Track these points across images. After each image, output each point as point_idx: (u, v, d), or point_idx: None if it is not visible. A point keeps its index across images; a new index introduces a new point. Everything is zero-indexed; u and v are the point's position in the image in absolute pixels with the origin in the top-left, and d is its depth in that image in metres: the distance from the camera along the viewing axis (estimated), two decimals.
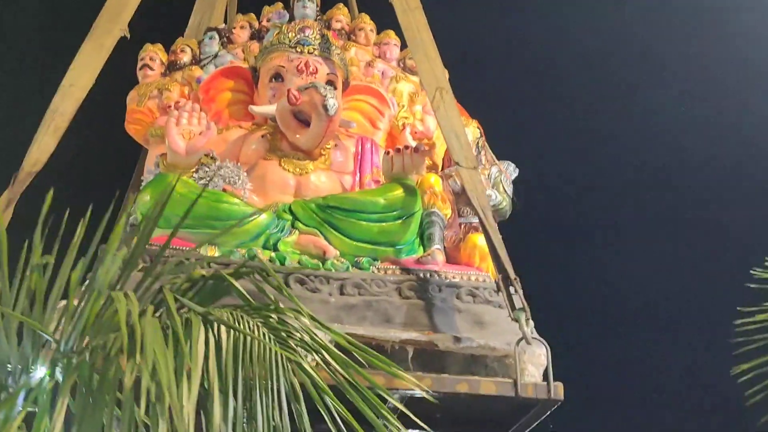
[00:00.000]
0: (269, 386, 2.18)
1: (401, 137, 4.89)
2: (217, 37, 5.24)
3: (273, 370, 2.19)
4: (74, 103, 3.71)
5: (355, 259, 3.79)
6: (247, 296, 2.33)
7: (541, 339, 3.36)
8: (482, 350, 3.51)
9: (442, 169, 4.57)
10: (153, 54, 5.06)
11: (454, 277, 3.77)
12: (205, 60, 5.09)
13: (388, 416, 2.26)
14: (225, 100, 4.70)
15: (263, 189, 4.09)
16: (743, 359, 4.40)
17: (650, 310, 7.57)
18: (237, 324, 2.21)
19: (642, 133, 7.99)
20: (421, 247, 3.93)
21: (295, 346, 2.32)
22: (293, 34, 4.67)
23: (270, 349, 2.19)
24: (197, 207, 3.68)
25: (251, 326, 2.26)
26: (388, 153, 4.12)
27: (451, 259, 4.00)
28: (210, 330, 2.14)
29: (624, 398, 7.28)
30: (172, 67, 5.09)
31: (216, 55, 5.12)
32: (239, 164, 4.14)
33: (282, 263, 3.64)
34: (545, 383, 3.26)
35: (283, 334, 2.29)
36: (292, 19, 5.30)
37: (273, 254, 3.70)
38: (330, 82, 4.52)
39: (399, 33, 4.95)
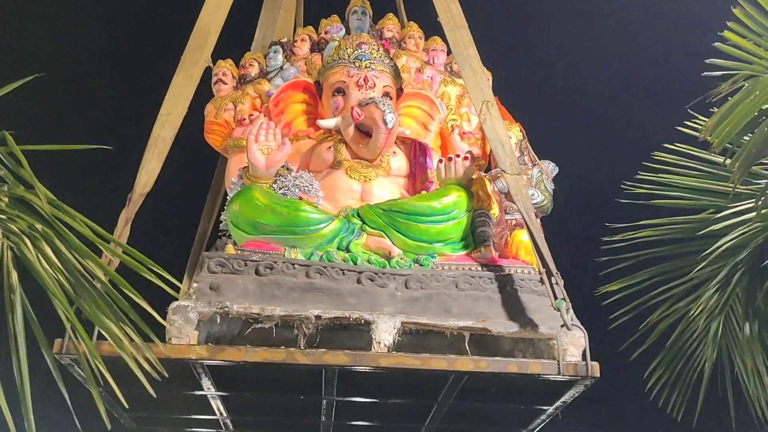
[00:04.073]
0: None
1: (450, 138, 5.44)
2: (281, 50, 5.81)
3: None
4: (173, 129, 4.29)
5: (416, 257, 4.33)
6: None
7: (580, 325, 3.91)
8: (529, 334, 4.08)
9: (489, 169, 5.12)
10: (225, 69, 5.66)
11: (503, 271, 4.29)
12: (271, 73, 5.68)
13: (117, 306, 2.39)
14: (293, 112, 5.28)
15: (333, 196, 4.65)
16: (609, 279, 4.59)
17: None
18: None
19: None
20: (474, 244, 4.46)
21: (19, 231, 2.38)
22: (351, 50, 5.18)
23: None
24: (280, 216, 4.33)
25: None
26: (441, 161, 4.65)
27: (500, 253, 4.55)
28: None
29: None
30: (242, 80, 5.69)
31: (281, 68, 5.69)
32: (311, 173, 4.72)
33: (355, 263, 4.22)
34: (584, 363, 3.82)
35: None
36: (347, 30, 5.86)
37: (346, 255, 4.27)
38: (386, 94, 5.07)
39: (444, 39, 5.44)
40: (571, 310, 3.96)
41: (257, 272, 4.06)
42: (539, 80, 7.89)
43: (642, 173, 4.75)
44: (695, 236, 4.64)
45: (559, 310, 3.92)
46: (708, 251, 4.44)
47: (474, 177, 4.64)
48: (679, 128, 4.81)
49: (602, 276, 4.71)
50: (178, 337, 3.77)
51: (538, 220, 4.75)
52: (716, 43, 4.11)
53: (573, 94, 8.00)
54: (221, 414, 4.61)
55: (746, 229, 4.46)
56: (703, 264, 4.51)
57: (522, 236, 4.53)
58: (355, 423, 4.90)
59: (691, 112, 4.74)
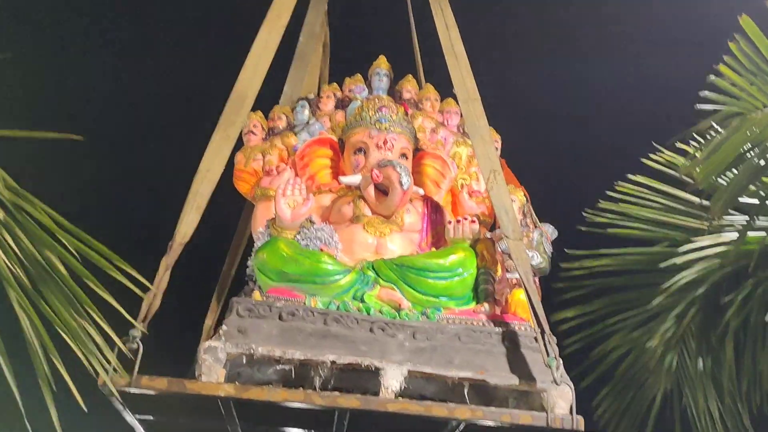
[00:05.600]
0: None
1: (460, 196, 5.90)
2: (307, 105, 6.28)
3: None
4: (211, 185, 4.71)
5: (424, 309, 4.76)
6: None
7: (569, 381, 4.34)
8: (523, 387, 4.51)
9: (494, 227, 5.57)
10: (256, 121, 6.12)
11: (502, 326, 4.69)
12: (298, 127, 6.13)
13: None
14: (317, 166, 5.75)
15: (350, 248, 5.09)
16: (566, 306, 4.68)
17: None
18: None
19: None
20: (477, 300, 4.90)
21: None
22: (373, 113, 5.66)
23: None
24: (302, 266, 4.77)
25: None
26: (450, 222, 5.11)
27: (500, 309, 4.98)
28: None
29: None
30: (271, 132, 6.15)
31: (308, 123, 6.17)
32: (331, 226, 5.18)
33: (368, 313, 4.65)
34: (570, 416, 4.25)
35: None
36: (370, 90, 6.35)
37: (361, 305, 4.70)
38: (403, 155, 5.56)
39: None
40: (561, 368, 4.40)
41: (280, 318, 4.49)
42: (505, 101, 8.09)
43: (604, 202, 4.97)
44: (654, 268, 4.79)
45: (550, 367, 4.36)
46: (667, 284, 4.61)
47: (480, 237, 5.09)
48: (644, 160, 5.01)
49: (559, 302, 4.93)
50: (208, 375, 4.21)
51: (536, 280, 5.18)
52: (712, 76, 4.27)
53: (540, 119, 8.27)
54: None
55: (705, 265, 4.65)
56: (661, 297, 4.69)
57: (521, 295, 4.95)
58: None
59: (656, 145, 4.94)
